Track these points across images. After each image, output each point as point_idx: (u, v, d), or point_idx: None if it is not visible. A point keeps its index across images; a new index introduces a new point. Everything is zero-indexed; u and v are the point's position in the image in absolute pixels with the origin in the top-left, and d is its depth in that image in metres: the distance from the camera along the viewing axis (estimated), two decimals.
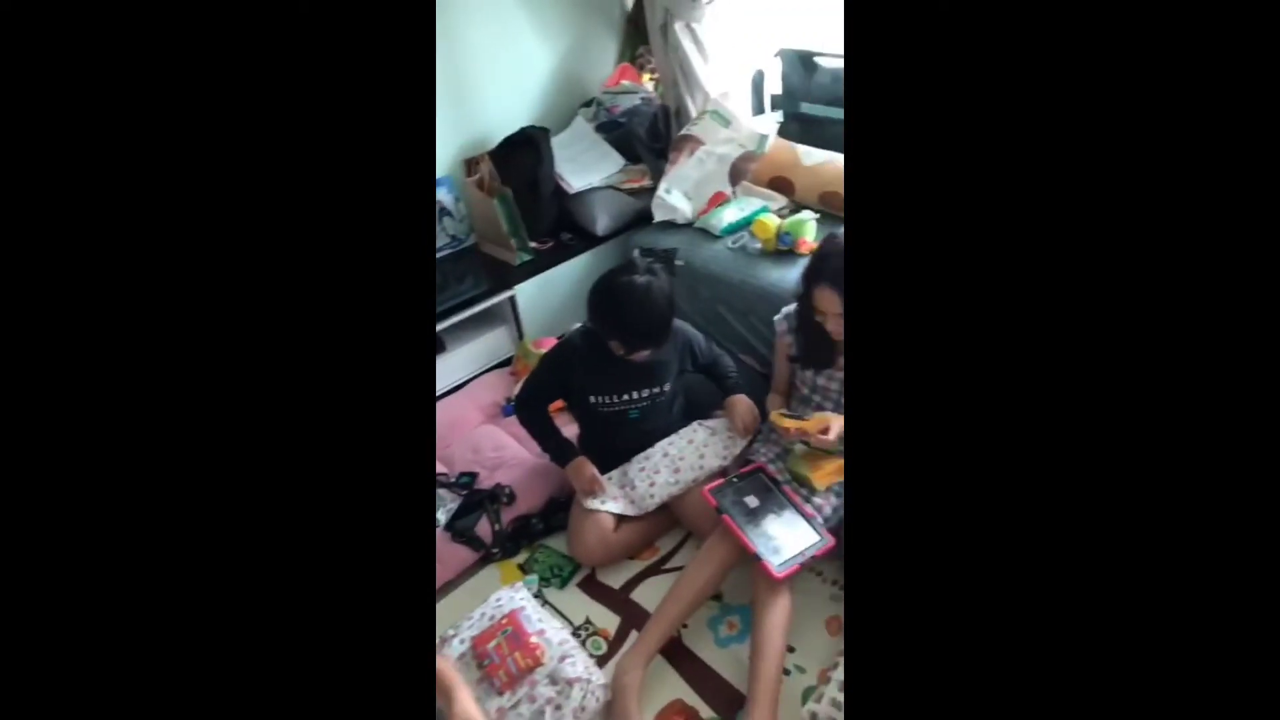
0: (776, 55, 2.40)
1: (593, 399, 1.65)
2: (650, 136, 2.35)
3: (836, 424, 1.46)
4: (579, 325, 1.72)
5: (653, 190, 2.22)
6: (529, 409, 1.74)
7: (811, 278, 1.46)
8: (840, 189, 2.06)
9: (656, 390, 1.66)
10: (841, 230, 1.48)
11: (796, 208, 2.15)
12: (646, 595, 1.60)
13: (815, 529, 1.44)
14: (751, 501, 1.48)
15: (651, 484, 1.64)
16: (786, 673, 1.40)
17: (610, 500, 1.64)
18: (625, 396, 1.65)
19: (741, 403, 1.70)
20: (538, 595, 1.61)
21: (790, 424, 1.47)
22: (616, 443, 1.71)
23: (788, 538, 1.42)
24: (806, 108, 2.39)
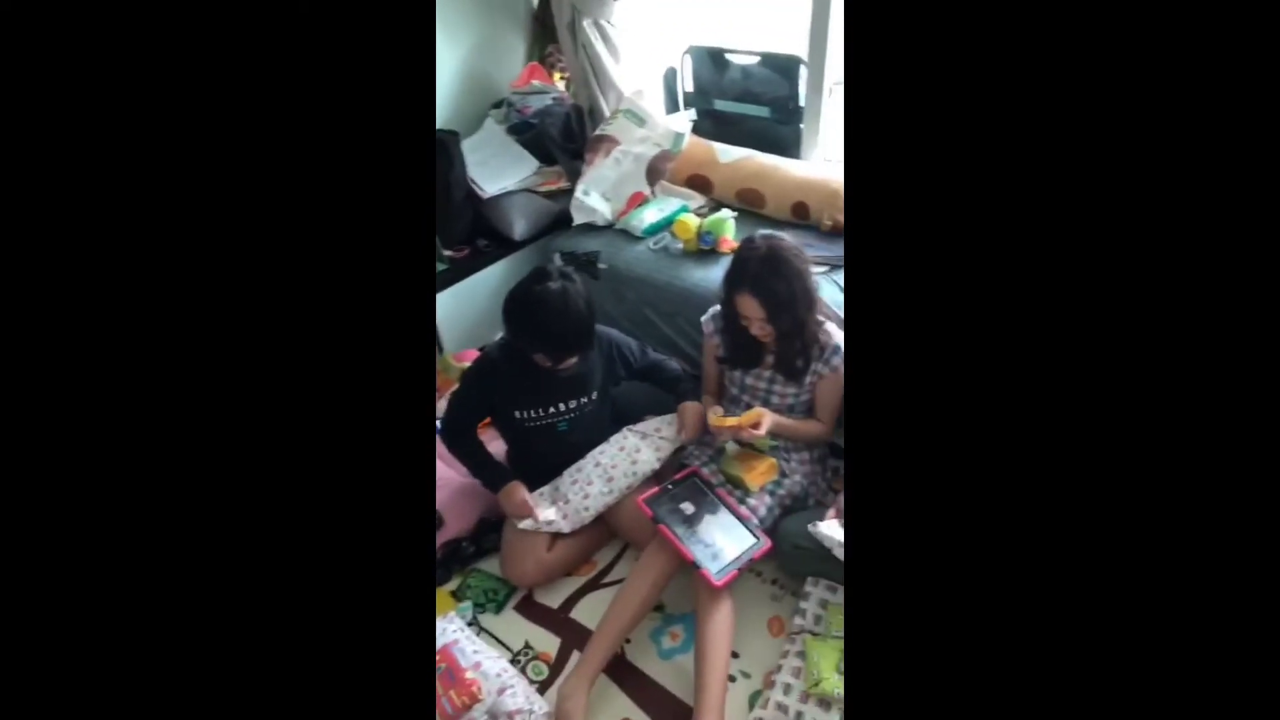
0: (686, 53, 2.39)
1: (518, 414, 1.59)
2: (564, 137, 2.29)
3: (767, 419, 1.46)
4: (498, 338, 1.65)
5: (570, 192, 2.16)
6: (458, 437, 1.65)
7: (732, 283, 1.44)
8: (757, 185, 2.06)
9: (584, 400, 1.61)
10: (761, 231, 1.47)
11: (716, 206, 2.14)
12: (587, 612, 1.55)
13: (752, 531, 1.43)
14: (687, 508, 1.45)
15: (585, 496, 1.59)
16: (732, 679, 1.38)
17: (544, 521, 1.57)
18: (552, 409, 1.59)
19: (690, 409, 1.66)
20: (472, 623, 1.53)
21: (727, 422, 1.45)
22: (547, 457, 1.66)
23: (725, 543, 1.41)
24: (720, 104, 2.39)
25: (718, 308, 1.60)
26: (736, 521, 1.44)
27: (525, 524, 1.56)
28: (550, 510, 1.59)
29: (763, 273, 1.38)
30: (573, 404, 1.60)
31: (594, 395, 1.62)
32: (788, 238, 1.45)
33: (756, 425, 1.44)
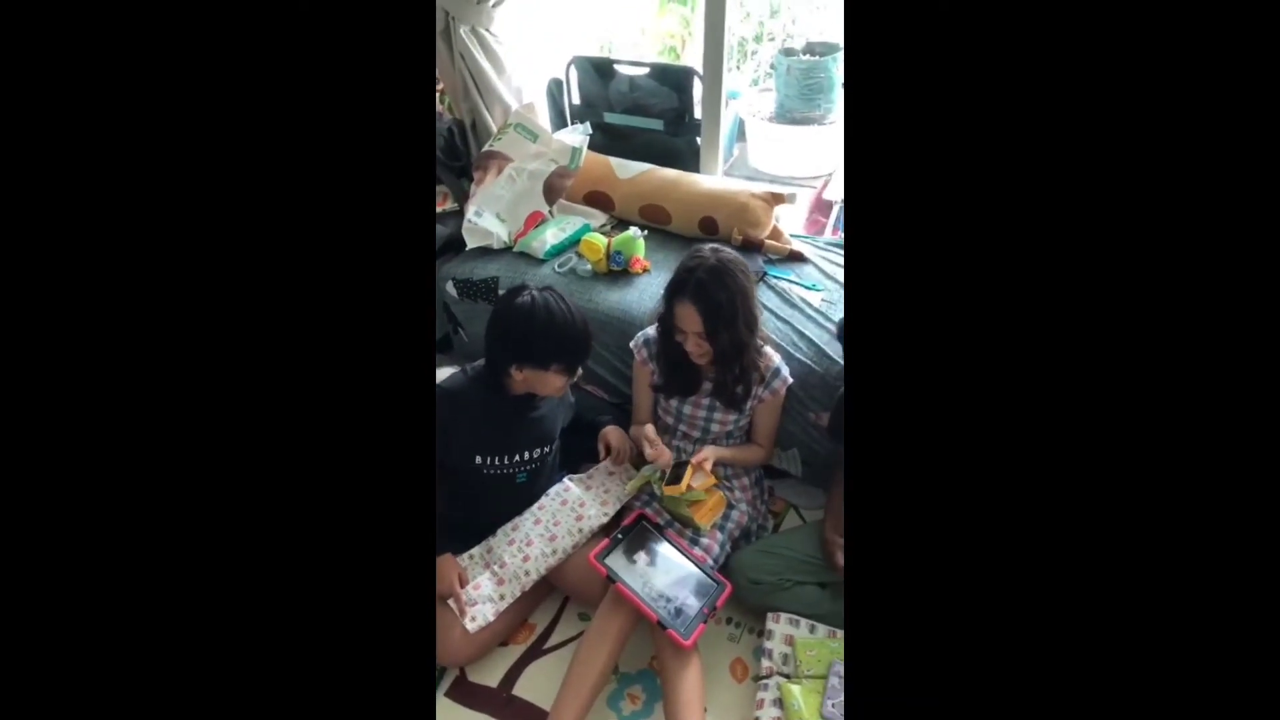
0: (571, 64, 2.27)
1: (479, 459, 1.39)
2: (447, 154, 2.10)
3: (709, 455, 1.38)
4: (465, 369, 1.45)
5: (459, 214, 1.98)
6: None
7: (674, 291, 1.34)
8: (661, 201, 1.98)
9: (546, 450, 1.46)
10: (697, 246, 1.38)
11: (619, 223, 2.04)
12: (533, 686, 1.38)
13: (709, 575, 1.33)
14: (641, 559, 1.33)
15: (525, 558, 1.40)
16: None
17: (482, 603, 1.36)
18: (516, 457, 1.41)
19: (613, 434, 1.54)
20: None
21: (680, 490, 1.33)
22: (496, 510, 1.46)
23: (686, 594, 1.30)
24: (610, 117, 2.29)
25: (649, 331, 1.50)
26: (693, 567, 1.34)
27: (450, 602, 1.36)
28: (477, 604, 1.36)
29: (708, 282, 1.29)
30: (536, 453, 1.44)
31: (554, 445, 1.47)
32: (736, 254, 1.37)
33: (700, 486, 1.35)
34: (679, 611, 1.26)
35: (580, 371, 1.41)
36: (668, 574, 1.32)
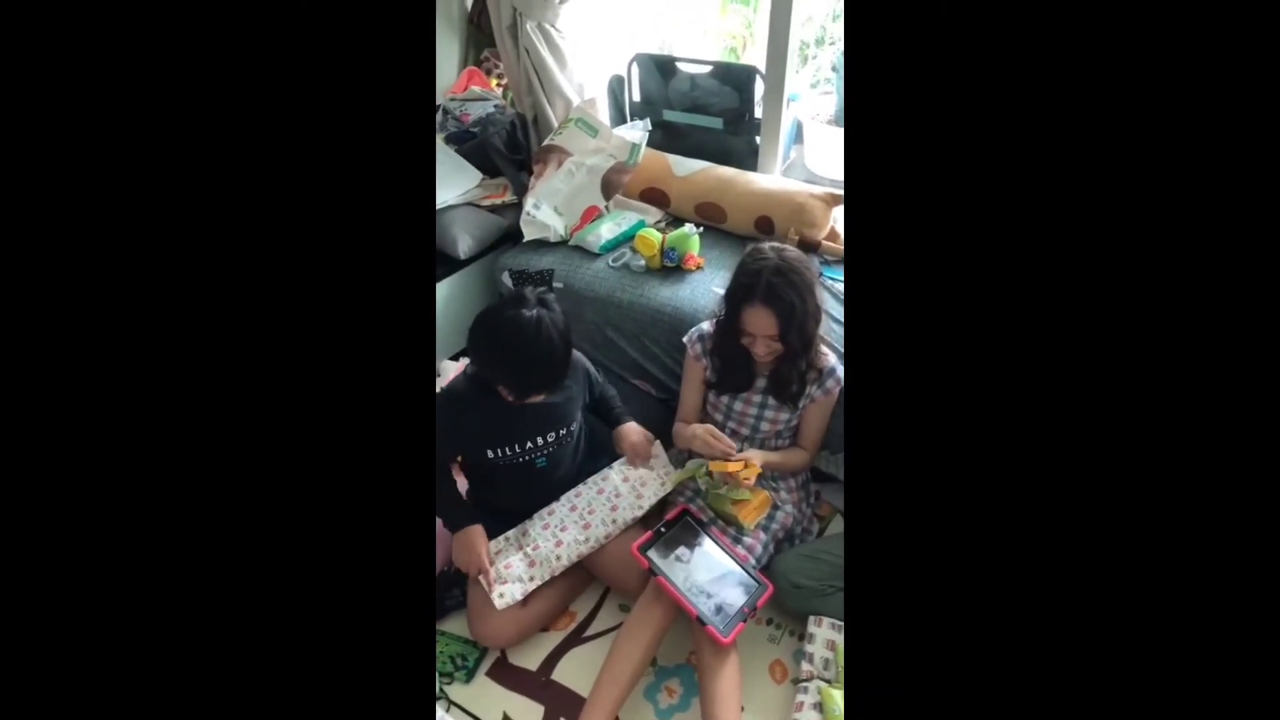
0: (633, 61, 2.29)
1: (491, 453, 1.41)
2: (509, 147, 2.13)
3: (756, 461, 1.37)
4: (466, 370, 1.47)
5: (517, 206, 2.01)
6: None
7: (740, 296, 1.32)
8: (717, 199, 1.98)
9: (564, 432, 1.46)
10: (754, 244, 1.37)
11: (674, 220, 2.05)
12: (571, 672, 1.39)
13: (751, 575, 1.33)
14: (684, 554, 1.33)
15: (558, 543, 1.42)
16: None
17: (512, 583, 1.37)
18: (529, 444, 1.42)
19: (633, 432, 1.54)
20: (440, 696, 1.34)
21: (730, 466, 1.33)
22: (525, 499, 1.48)
23: (727, 591, 1.29)
24: (668, 115, 2.30)
25: (703, 326, 1.49)
26: (735, 565, 1.33)
27: (490, 594, 1.37)
28: (507, 582, 1.37)
29: (779, 284, 1.27)
30: (551, 436, 1.44)
31: (573, 426, 1.47)
32: (796, 249, 1.36)
33: (748, 475, 1.34)
34: (719, 609, 1.26)
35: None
36: (709, 571, 1.32)
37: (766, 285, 1.28)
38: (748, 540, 1.39)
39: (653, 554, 1.31)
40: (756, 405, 1.47)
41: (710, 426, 1.41)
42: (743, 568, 1.33)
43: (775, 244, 1.37)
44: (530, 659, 1.42)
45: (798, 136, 3.00)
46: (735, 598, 1.28)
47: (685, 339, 1.52)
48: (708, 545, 1.36)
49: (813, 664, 1.31)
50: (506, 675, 1.40)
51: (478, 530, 1.41)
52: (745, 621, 1.26)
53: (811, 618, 1.37)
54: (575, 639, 1.46)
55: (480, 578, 1.37)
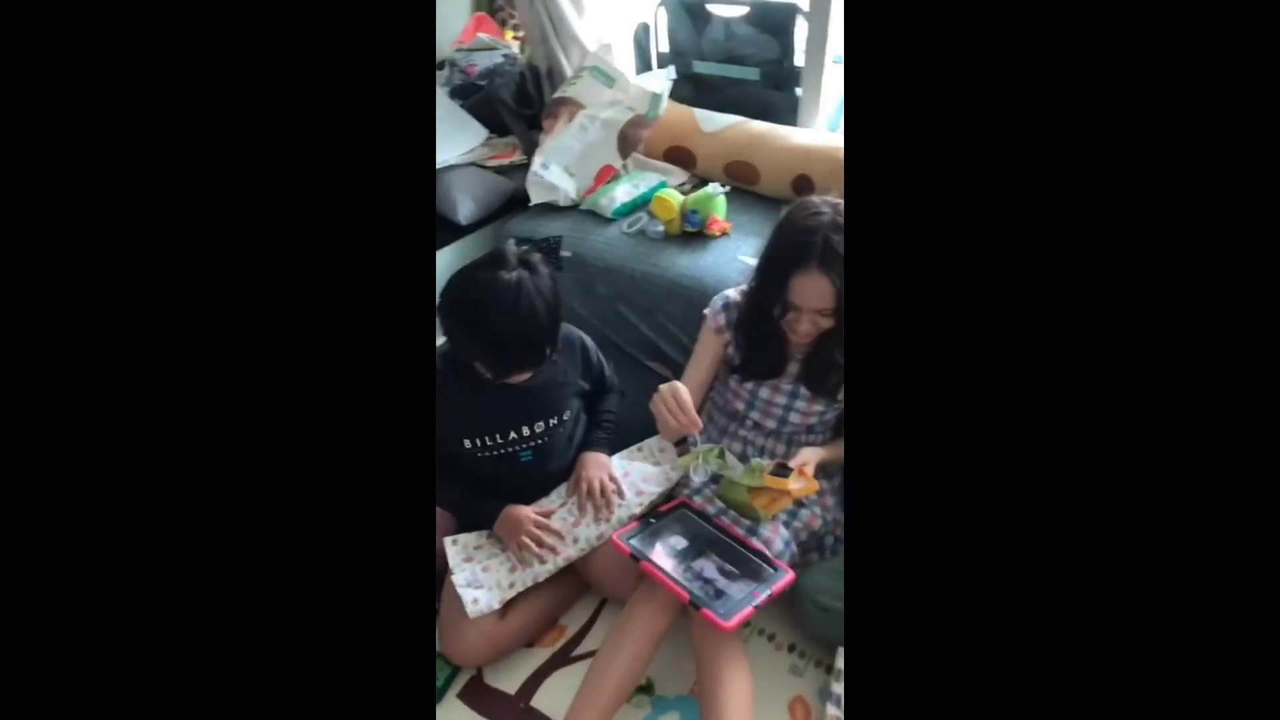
0: (660, 6, 2.05)
1: (468, 443, 1.22)
2: (518, 101, 1.93)
3: (811, 462, 1.15)
4: (439, 347, 1.27)
5: (525, 166, 1.80)
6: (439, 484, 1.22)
7: (791, 259, 1.07)
8: (749, 157, 1.74)
9: (554, 421, 1.25)
10: (805, 200, 1.13)
11: (700, 182, 1.81)
12: (554, 698, 1.19)
13: (765, 561, 1.10)
14: (678, 542, 1.12)
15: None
16: None
17: (489, 589, 1.18)
18: (513, 434, 1.22)
19: (593, 464, 1.28)
20: None
21: (790, 485, 1.10)
22: (511, 496, 1.26)
23: (731, 579, 1.07)
24: (700, 67, 2.06)
25: (730, 294, 1.26)
26: (745, 553, 1.11)
27: (466, 603, 1.16)
28: (482, 587, 1.18)
29: (838, 244, 1.03)
30: (539, 426, 1.24)
31: (566, 414, 1.26)
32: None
33: (806, 490, 1.12)
34: (720, 594, 1.04)
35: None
36: (709, 558, 1.10)
37: (824, 245, 1.03)
38: (764, 533, 1.16)
39: (635, 541, 1.10)
40: (786, 394, 1.23)
41: (678, 385, 1.10)
42: (755, 556, 1.11)
43: (829, 199, 1.11)
44: (510, 680, 1.23)
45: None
46: (740, 586, 1.06)
47: (709, 308, 1.28)
48: (710, 534, 1.14)
49: (840, 709, 1.08)
50: (480, 698, 1.21)
51: (513, 507, 1.23)
52: (755, 608, 1.03)
53: (841, 649, 1.14)
54: (563, 658, 1.26)
55: (544, 536, 1.20)
